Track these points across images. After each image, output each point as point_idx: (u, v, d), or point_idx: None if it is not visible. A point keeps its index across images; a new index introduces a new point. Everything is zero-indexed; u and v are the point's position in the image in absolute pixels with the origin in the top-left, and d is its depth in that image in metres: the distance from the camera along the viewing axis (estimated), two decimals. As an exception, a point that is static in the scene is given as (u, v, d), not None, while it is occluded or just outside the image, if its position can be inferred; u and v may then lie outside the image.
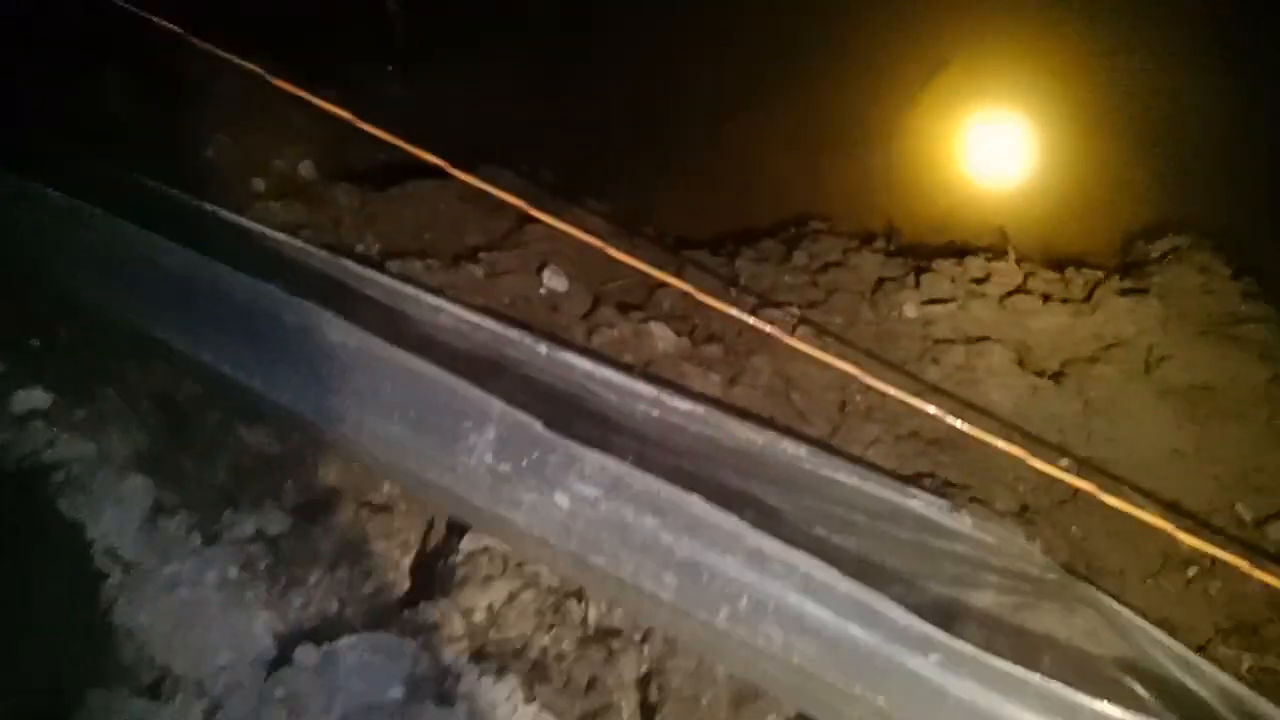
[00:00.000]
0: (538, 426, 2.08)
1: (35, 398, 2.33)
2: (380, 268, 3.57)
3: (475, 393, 2.14)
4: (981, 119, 4.80)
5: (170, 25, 3.18)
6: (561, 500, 2.01)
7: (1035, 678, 1.82)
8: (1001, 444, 2.68)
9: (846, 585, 1.91)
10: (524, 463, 2.05)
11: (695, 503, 1.97)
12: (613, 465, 2.04)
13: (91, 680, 1.97)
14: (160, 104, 3.88)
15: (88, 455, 2.26)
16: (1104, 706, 1.76)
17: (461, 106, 4.67)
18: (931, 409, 2.75)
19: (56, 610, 1.95)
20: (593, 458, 2.04)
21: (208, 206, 3.06)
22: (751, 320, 3.14)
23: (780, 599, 1.91)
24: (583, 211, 4.18)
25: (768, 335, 3.68)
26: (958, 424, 2.66)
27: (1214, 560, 3.04)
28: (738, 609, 1.93)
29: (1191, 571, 3.06)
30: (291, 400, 2.22)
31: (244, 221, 3.12)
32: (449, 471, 2.11)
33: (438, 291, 3.37)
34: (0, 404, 2.30)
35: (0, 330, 2.61)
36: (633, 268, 4.00)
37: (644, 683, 2.37)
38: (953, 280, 3.83)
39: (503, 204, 4.13)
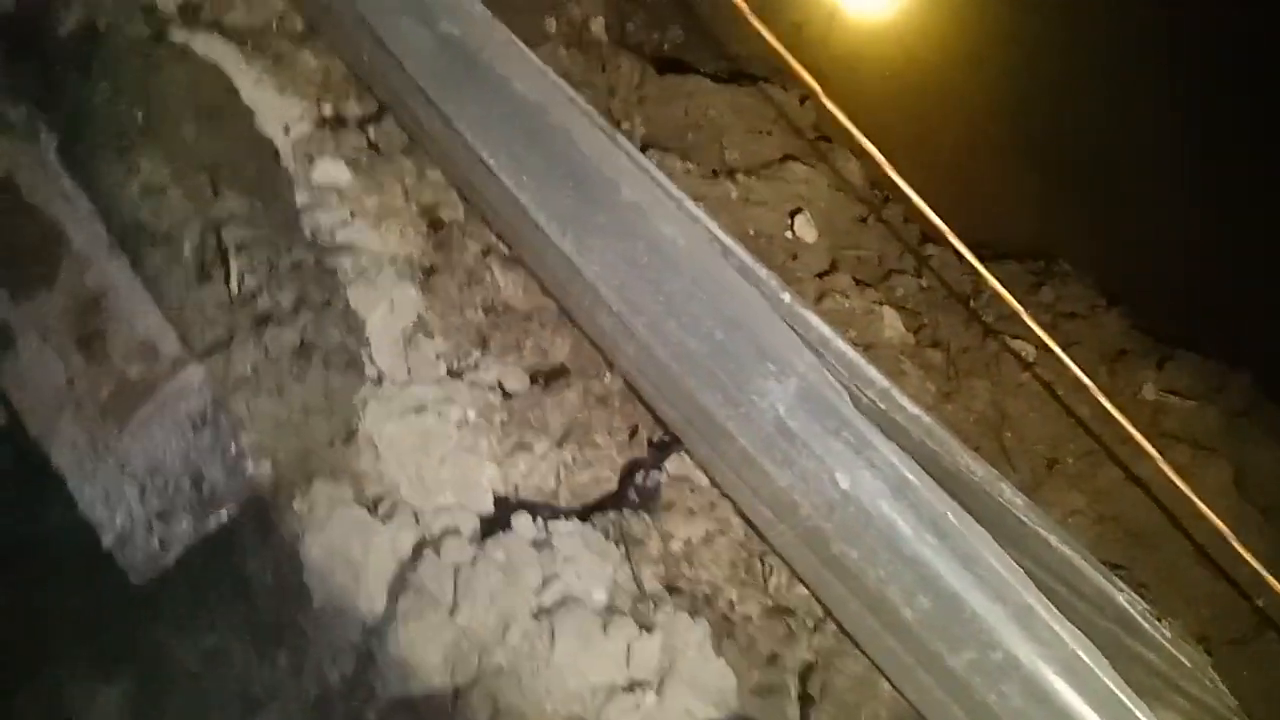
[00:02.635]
0: (845, 400, 1.95)
1: (337, 171, 2.26)
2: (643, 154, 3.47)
3: (789, 335, 2.01)
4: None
5: None
6: (842, 481, 1.89)
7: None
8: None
9: (1110, 679, 1.78)
10: (816, 428, 1.93)
11: (984, 536, 1.85)
12: (903, 465, 1.91)
13: (326, 472, 1.93)
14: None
15: (374, 249, 2.19)
16: None
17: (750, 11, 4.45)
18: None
19: (322, 386, 1.90)
20: (885, 449, 1.92)
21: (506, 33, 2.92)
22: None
23: (1036, 667, 1.79)
24: (839, 171, 3.99)
25: (993, 360, 3.54)
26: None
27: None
28: (986, 658, 1.81)
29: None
30: (591, 270, 2.11)
31: (534, 57, 2.98)
32: (731, 405, 1.99)
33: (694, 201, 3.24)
34: (304, 165, 2.23)
35: (302, 87, 2.53)
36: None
37: (807, 672, 2.29)
38: (1194, 377, 3.60)
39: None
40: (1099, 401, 3.44)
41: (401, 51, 2.23)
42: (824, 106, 4.15)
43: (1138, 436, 2.40)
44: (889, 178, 4.08)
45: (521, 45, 2.73)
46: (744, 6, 2.59)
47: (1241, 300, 4.13)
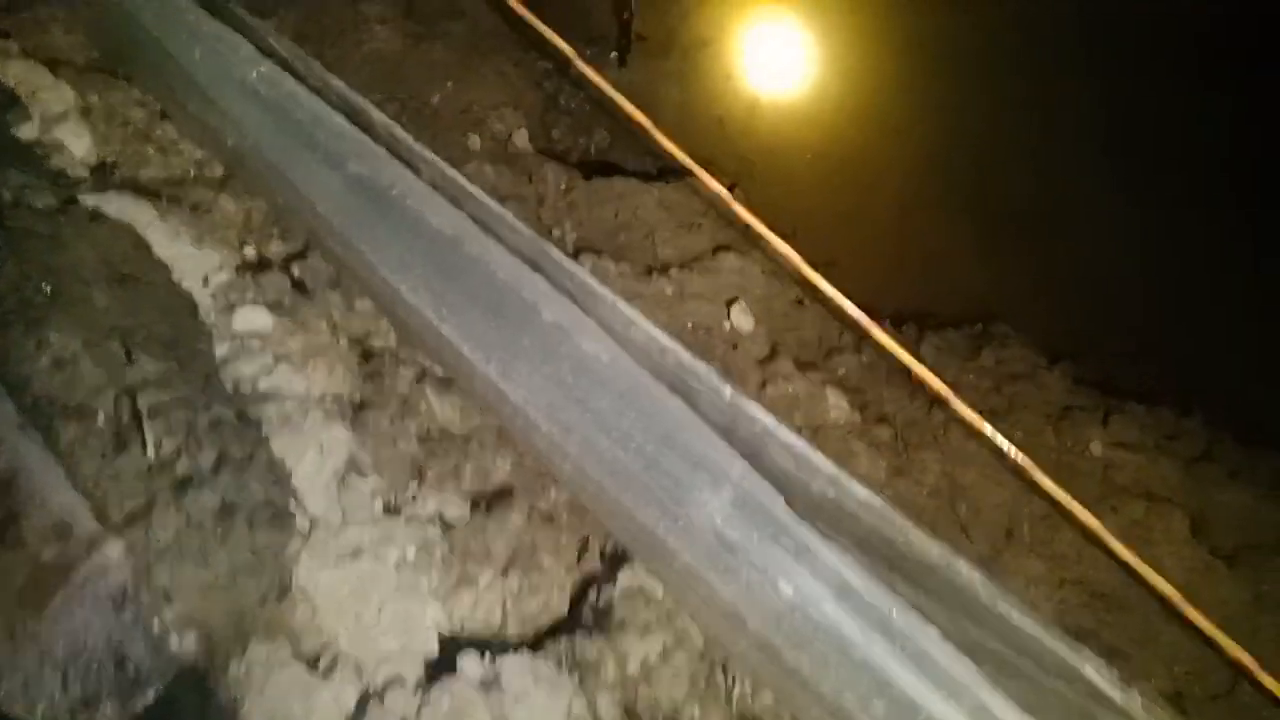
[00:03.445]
0: (780, 503, 1.95)
1: (257, 318, 2.25)
2: (575, 260, 3.50)
3: (719, 443, 2.01)
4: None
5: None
6: (785, 589, 1.88)
7: None
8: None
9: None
10: (755, 537, 1.92)
11: (932, 635, 1.83)
12: (845, 568, 1.90)
13: (260, 632, 1.88)
14: (401, 31, 3.81)
15: (299, 392, 2.18)
16: None
17: (672, 109, 4.55)
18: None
19: (249, 545, 1.86)
20: (827, 554, 1.91)
21: (430, 155, 2.95)
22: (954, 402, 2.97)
23: (999, 767, 1.76)
24: (770, 255, 4.04)
25: (941, 430, 3.56)
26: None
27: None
28: (948, 760, 1.77)
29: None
30: (518, 394, 2.11)
31: (459, 178, 3.02)
32: (669, 520, 1.98)
33: (629, 300, 3.27)
34: (224, 316, 2.23)
35: (221, 234, 2.53)
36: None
37: (779, 786, 2.24)
38: (1142, 429, 3.63)
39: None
40: (1048, 464, 3.47)
41: (314, 194, 2.25)
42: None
43: (1078, 511, 2.39)
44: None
45: (443, 166, 2.76)
46: (648, 124, 2.64)
47: (1187, 344, 4.21)
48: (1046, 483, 2.43)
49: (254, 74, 2.24)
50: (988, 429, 2.55)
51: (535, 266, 2.54)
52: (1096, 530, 2.47)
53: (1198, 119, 4.73)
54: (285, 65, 2.30)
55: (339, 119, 2.26)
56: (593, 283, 2.91)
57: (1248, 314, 4.27)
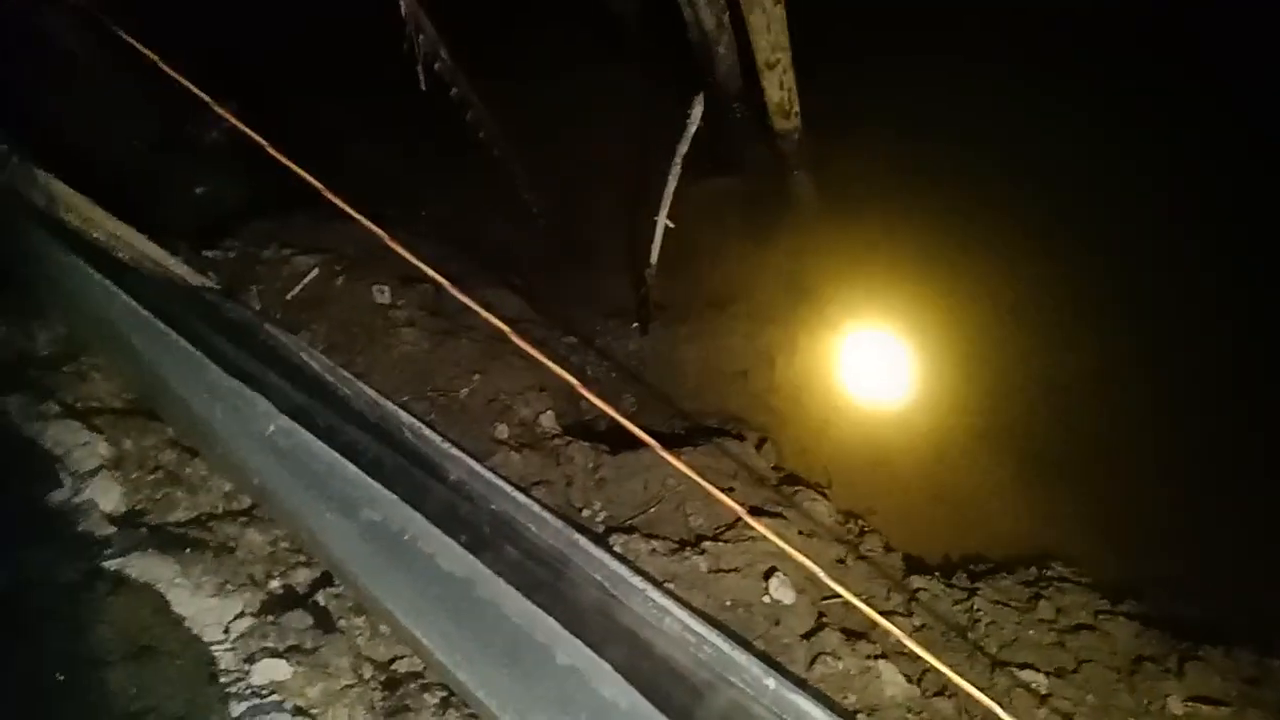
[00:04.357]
0: None
1: (279, 669, 2.23)
2: (605, 542, 3.47)
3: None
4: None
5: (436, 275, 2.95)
6: None
7: None
8: None
9: None
10: None
11: None
12: None
13: None
14: (428, 331, 3.98)
15: (316, 750, 2.11)
16: None
17: (696, 370, 4.64)
18: None
19: None
20: None
21: (457, 452, 2.99)
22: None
23: None
24: (807, 513, 3.98)
25: (1005, 697, 3.34)
26: None
27: None
28: None
29: None
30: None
31: (486, 472, 3.04)
32: None
33: (662, 583, 3.21)
34: (243, 670, 2.21)
35: (247, 571, 2.55)
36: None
37: None
38: (1223, 676, 3.38)
39: (730, 484, 4.03)
40: (1128, 729, 3.22)
41: (330, 540, 2.28)
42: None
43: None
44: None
45: (470, 463, 2.77)
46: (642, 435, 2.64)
47: (1255, 572, 3.98)
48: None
49: (271, 429, 2.33)
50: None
51: (561, 569, 2.52)
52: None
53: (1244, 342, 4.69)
54: (302, 419, 2.38)
55: (351, 468, 2.31)
56: (621, 569, 2.86)
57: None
